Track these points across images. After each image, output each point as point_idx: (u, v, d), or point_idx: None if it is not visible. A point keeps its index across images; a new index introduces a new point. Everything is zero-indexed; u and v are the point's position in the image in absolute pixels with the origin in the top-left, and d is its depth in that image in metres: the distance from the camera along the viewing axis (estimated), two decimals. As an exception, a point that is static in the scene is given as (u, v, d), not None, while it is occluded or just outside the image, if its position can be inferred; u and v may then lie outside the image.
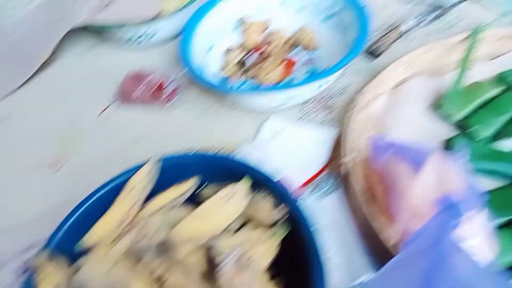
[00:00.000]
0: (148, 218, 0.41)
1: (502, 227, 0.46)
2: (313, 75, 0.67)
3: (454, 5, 0.76)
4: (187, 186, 0.45)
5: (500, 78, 0.61)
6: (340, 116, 0.63)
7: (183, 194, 0.45)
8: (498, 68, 0.62)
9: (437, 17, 0.75)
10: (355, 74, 0.68)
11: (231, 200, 0.43)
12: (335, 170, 0.55)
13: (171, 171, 0.47)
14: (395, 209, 0.45)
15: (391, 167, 0.48)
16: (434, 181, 0.44)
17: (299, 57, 0.72)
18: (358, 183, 0.50)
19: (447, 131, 0.58)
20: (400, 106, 0.62)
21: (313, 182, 0.54)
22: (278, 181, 0.44)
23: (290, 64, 0.71)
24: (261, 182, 0.45)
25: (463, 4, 0.77)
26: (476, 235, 0.41)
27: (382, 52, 0.70)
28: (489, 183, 0.51)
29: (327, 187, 0.54)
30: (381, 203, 0.48)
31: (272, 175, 0.45)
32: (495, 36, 0.64)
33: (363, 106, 0.59)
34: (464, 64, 0.61)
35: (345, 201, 0.52)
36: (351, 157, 0.53)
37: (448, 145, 0.56)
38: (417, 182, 0.45)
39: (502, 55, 0.64)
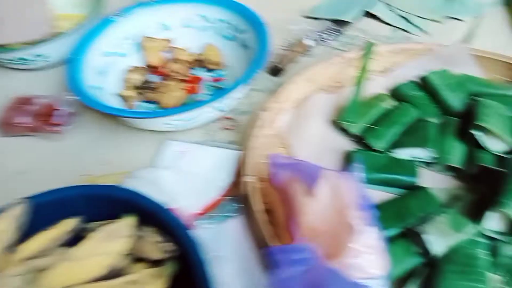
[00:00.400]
0: (3, 279, 0.35)
1: (394, 238, 0.46)
2: (213, 95, 0.65)
3: (354, 21, 0.79)
4: (64, 227, 0.40)
5: (394, 91, 0.64)
6: (246, 135, 0.61)
7: (58, 236, 0.40)
8: (395, 81, 0.65)
9: (339, 33, 0.78)
10: (261, 92, 0.68)
11: (113, 239, 0.38)
12: (238, 193, 0.53)
13: (47, 209, 0.42)
14: (294, 230, 0.44)
15: (288, 185, 0.47)
16: (329, 198, 0.44)
17: (205, 76, 0.70)
18: (257, 204, 0.48)
19: (347, 144, 0.59)
20: (303, 122, 0.62)
21: (216, 206, 0.52)
22: (169, 211, 0.41)
23: (195, 82, 0.69)
24: (150, 214, 0.41)
25: (364, 19, 0.80)
26: (368, 252, 0.40)
27: (286, 69, 0.71)
28: (385, 194, 0.52)
29: (230, 211, 0.51)
30: (282, 224, 0.47)
31: (162, 206, 0.41)
32: (391, 50, 0.67)
33: (265, 124, 0.58)
34: (360, 78, 0.63)
35: (247, 225, 0.50)
36: (251, 177, 0.51)
37: (348, 158, 0.56)
38: (313, 200, 0.44)
39: (397, 68, 0.67)
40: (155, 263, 0.40)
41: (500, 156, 0.52)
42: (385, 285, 0.40)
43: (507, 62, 0.62)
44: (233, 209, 0.51)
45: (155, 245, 0.39)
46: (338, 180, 0.45)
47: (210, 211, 0.51)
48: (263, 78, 0.70)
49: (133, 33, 0.71)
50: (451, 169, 0.54)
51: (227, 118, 0.64)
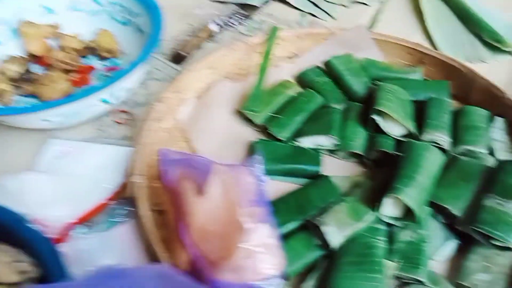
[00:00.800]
0: None
1: (295, 232, 0.44)
2: (98, 85, 0.58)
3: (262, 5, 0.76)
4: None
5: (300, 78, 0.62)
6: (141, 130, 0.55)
7: None
8: (301, 67, 0.63)
9: (246, 17, 0.74)
10: (161, 81, 0.62)
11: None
12: (128, 195, 0.48)
13: None
14: (183, 233, 0.40)
15: (178, 184, 0.42)
16: (220, 196, 0.40)
17: (98, 65, 0.63)
18: (142, 207, 0.43)
19: (252, 135, 0.56)
20: (205, 113, 0.57)
21: (101, 211, 0.46)
22: (28, 224, 0.35)
23: (86, 72, 0.62)
24: (3, 228, 0.34)
25: (272, 4, 0.78)
26: (261, 251, 0.37)
27: (191, 56, 0.66)
28: (288, 185, 0.50)
29: (119, 216, 0.46)
30: (173, 228, 0.43)
31: (19, 218, 0.35)
32: (296, 35, 0.65)
33: (162, 116, 0.53)
34: (264, 64, 0.60)
35: (137, 232, 0.44)
36: (139, 176, 0.46)
37: (251, 149, 0.53)
38: (203, 199, 0.40)
39: (303, 54, 0.65)
40: (11, 286, 0.33)
41: (399, 140, 0.51)
42: (279, 285, 0.38)
43: (407, 47, 0.62)
44: (122, 213, 0.46)
45: (9, 265, 0.33)
46: (231, 175, 0.41)
47: (93, 218, 0.45)
48: (165, 66, 0.65)
49: (8, 18, 0.61)
50: (354, 155, 0.53)
51: (122, 111, 0.58)
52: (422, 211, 0.42)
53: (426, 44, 0.70)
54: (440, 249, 0.43)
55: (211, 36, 0.69)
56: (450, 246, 0.43)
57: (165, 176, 0.44)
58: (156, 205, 0.46)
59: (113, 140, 0.54)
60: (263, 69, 0.59)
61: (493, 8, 0.76)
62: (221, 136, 0.55)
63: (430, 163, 0.44)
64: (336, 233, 0.42)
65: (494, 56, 0.68)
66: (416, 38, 0.70)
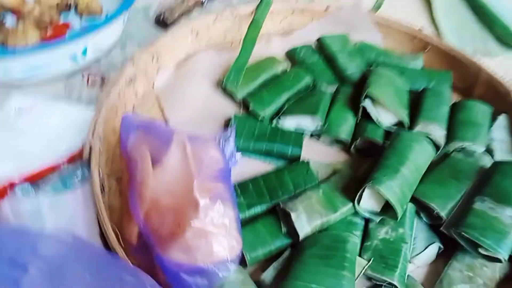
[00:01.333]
0: None
1: (262, 216, 0.40)
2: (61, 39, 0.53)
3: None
4: None
5: (289, 55, 0.57)
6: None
7: None
8: (292, 44, 0.58)
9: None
10: (140, 44, 0.58)
11: None
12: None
13: None
14: (134, 204, 0.35)
15: (136, 151, 0.38)
16: (179, 167, 0.36)
17: (76, 23, 0.59)
18: (94, 172, 0.39)
19: (230, 110, 0.51)
20: (184, 82, 0.53)
21: (53, 173, 0.42)
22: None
23: (62, 30, 0.57)
24: None
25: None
26: (216, 231, 0.33)
27: (175, 21, 0.61)
28: (263, 166, 0.46)
29: (73, 180, 0.41)
30: (126, 198, 0.38)
31: None
32: (291, 10, 0.60)
33: (133, 79, 0.49)
34: (250, 36, 0.55)
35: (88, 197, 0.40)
36: (98, 140, 0.41)
37: (228, 124, 0.49)
38: (160, 169, 0.36)
39: (297, 30, 0.60)
40: None
41: (389, 132, 0.47)
42: (232, 270, 0.34)
43: (409, 33, 0.57)
44: (77, 178, 0.42)
45: None
46: (194, 147, 0.37)
47: (44, 178, 0.40)
48: (148, 30, 0.60)
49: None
50: (338, 142, 0.48)
51: (94, 72, 0.53)
52: (404, 208, 0.38)
53: (430, 32, 0.65)
54: (421, 252, 0.38)
55: (200, 3, 0.64)
56: (432, 250, 0.39)
57: (124, 141, 0.40)
58: (115, 172, 0.42)
59: (82, 102, 0.50)
60: (249, 40, 0.54)
61: (509, 3, 0.71)
62: (197, 108, 0.51)
63: (419, 156, 0.40)
64: (305, 221, 0.37)
65: (505, 52, 0.64)
66: (421, 24, 0.65)
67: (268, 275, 0.36)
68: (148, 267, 0.34)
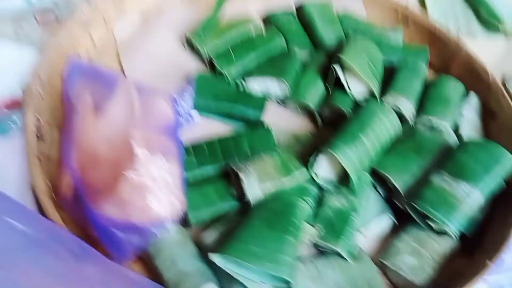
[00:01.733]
0: None
1: (213, 177, 0.38)
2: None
3: None
4: None
5: (267, 17, 0.54)
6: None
7: None
8: (271, 7, 0.55)
9: None
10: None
11: None
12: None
13: None
14: (68, 152, 0.33)
15: (77, 96, 0.35)
16: (122, 117, 0.33)
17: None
18: (28, 118, 0.36)
19: (196, 67, 0.48)
20: (149, 34, 0.50)
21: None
22: None
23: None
24: None
25: None
26: (156, 183, 0.31)
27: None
28: (222, 127, 0.43)
29: (8, 124, 0.38)
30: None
31: None
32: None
33: (89, 22, 0.45)
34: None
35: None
36: (38, 84, 0.38)
37: (191, 82, 0.46)
38: (100, 117, 0.33)
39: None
40: None
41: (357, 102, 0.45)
42: (172, 230, 0.32)
43: (393, 7, 0.54)
44: (15, 123, 0.39)
45: None
46: (142, 97, 0.34)
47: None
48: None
49: None
50: (306, 110, 0.46)
51: (46, 13, 0.49)
52: (359, 177, 0.36)
53: (416, 7, 0.62)
54: (371, 223, 0.37)
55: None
56: (383, 221, 0.37)
57: (68, 86, 0.37)
58: (59, 121, 0.39)
59: (32, 44, 0.46)
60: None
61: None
62: (160, 64, 0.48)
63: (382, 128, 0.38)
64: (256, 184, 0.35)
65: (488, 34, 0.61)
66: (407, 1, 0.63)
67: (208, 235, 0.34)
68: (81, 222, 0.32)
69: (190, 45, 0.49)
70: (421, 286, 0.33)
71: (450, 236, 0.34)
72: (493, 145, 0.37)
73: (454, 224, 0.33)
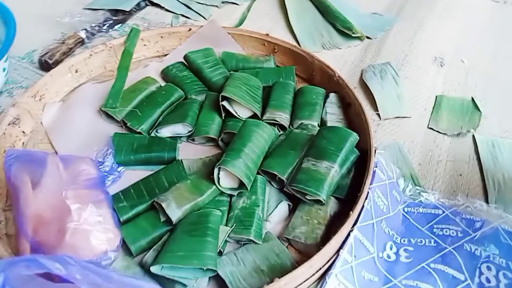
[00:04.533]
0: None
1: (144, 212, 0.48)
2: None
3: (136, 10, 0.80)
4: None
5: (164, 74, 0.66)
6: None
7: None
8: (167, 64, 0.67)
9: (120, 23, 0.77)
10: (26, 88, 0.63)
11: None
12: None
13: None
14: (21, 223, 0.42)
15: (17, 178, 0.44)
16: (55, 184, 0.43)
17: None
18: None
19: (114, 131, 0.58)
20: (69, 113, 0.60)
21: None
22: None
23: None
24: None
25: (147, 8, 0.81)
26: (93, 226, 0.40)
27: (58, 62, 0.67)
28: (147, 173, 0.54)
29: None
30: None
31: None
32: (159, 34, 0.68)
33: (17, 120, 0.55)
34: (123, 63, 0.63)
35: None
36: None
37: (112, 141, 0.56)
38: (39, 189, 0.43)
39: (169, 52, 0.69)
40: None
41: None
42: (117, 258, 0.41)
43: (261, 39, 0.68)
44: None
45: None
46: (68, 164, 0.44)
47: None
48: (33, 74, 0.66)
49: None
50: (210, 140, 0.57)
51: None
52: (251, 179, 0.47)
53: (289, 36, 0.77)
54: (274, 211, 0.48)
55: (80, 42, 0.71)
56: (282, 207, 0.48)
57: (8, 173, 0.46)
58: (10, 206, 0.48)
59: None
60: (122, 67, 0.62)
61: (351, 2, 0.85)
62: (83, 134, 0.57)
63: (259, 138, 0.50)
64: (175, 208, 0.45)
65: (347, 42, 0.77)
66: (280, 32, 0.77)
67: (149, 256, 0.44)
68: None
69: (105, 114, 0.60)
70: (314, 244, 0.44)
71: (322, 202, 0.45)
72: (340, 129, 0.50)
73: (323, 193, 0.45)
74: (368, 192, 0.45)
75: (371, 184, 0.46)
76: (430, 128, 0.62)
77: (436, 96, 0.66)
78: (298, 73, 0.65)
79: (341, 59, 0.73)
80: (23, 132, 0.56)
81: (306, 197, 0.46)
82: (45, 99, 0.59)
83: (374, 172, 0.47)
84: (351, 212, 0.43)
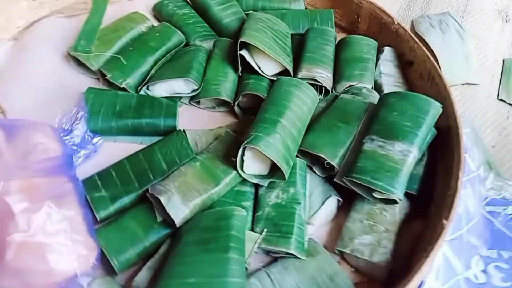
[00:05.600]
0: None
1: (132, 206, 0.33)
2: None
3: None
4: None
5: (156, 10, 0.49)
6: None
7: None
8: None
9: None
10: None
11: None
12: None
13: None
14: None
15: None
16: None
17: None
18: None
19: (88, 85, 0.42)
20: (25, 58, 0.43)
21: None
22: None
23: None
24: None
25: None
26: (54, 237, 0.25)
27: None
28: (131, 146, 0.38)
29: None
30: None
31: None
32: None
33: None
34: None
35: None
36: None
37: (85, 101, 0.39)
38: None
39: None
40: None
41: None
42: (95, 283, 0.26)
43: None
44: None
45: None
46: (12, 135, 0.28)
47: None
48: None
49: None
50: (220, 103, 0.42)
51: None
52: (290, 165, 0.33)
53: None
54: (318, 210, 0.34)
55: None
56: (330, 204, 0.34)
57: None
58: None
59: None
60: (97, 3, 0.45)
61: None
62: (43, 88, 0.41)
63: (301, 104, 0.35)
64: (180, 203, 0.31)
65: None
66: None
67: (142, 279, 0.29)
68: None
69: (75, 60, 0.43)
70: (383, 263, 0.30)
71: (397, 202, 0.32)
72: (416, 97, 0.35)
73: (398, 189, 0.31)
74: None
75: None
76: (502, 100, 0.48)
77: (504, 60, 0.52)
78: (337, 19, 0.49)
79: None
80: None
81: (374, 194, 0.32)
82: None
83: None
84: (445, 221, 0.29)
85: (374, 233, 0.32)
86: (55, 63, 0.43)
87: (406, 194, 0.33)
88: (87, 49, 0.42)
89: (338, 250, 0.32)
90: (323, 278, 0.30)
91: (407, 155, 0.32)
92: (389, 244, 0.31)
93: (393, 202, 0.32)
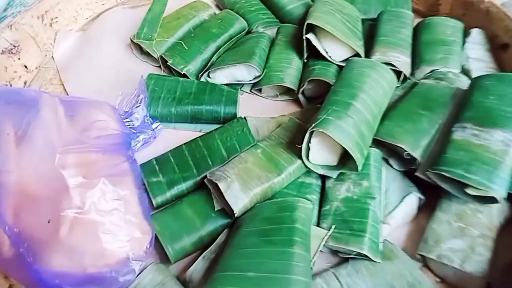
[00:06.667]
0: None
1: (191, 192, 0.31)
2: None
3: None
4: None
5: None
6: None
7: None
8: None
9: None
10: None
11: None
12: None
13: None
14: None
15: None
16: (49, 142, 0.26)
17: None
18: None
19: (148, 70, 0.41)
20: (91, 47, 0.43)
21: None
22: None
23: None
24: None
25: None
26: (109, 217, 0.24)
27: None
28: (193, 134, 0.36)
29: None
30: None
31: None
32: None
33: (16, 49, 0.38)
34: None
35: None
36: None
37: (146, 85, 0.39)
38: (24, 146, 0.26)
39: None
40: None
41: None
42: (146, 270, 0.24)
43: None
44: None
45: None
46: (72, 111, 0.27)
47: None
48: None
49: None
50: (284, 91, 0.39)
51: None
52: (364, 154, 0.29)
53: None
54: (396, 208, 0.29)
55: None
56: (410, 202, 0.30)
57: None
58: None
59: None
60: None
61: None
62: (107, 75, 0.41)
63: (376, 86, 0.31)
64: (240, 191, 0.28)
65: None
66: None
67: (196, 269, 0.27)
68: (26, 284, 0.25)
69: (138, 47, 0.43)
70: (478, 274, 0.25)
71: (496, 201, 0.26)
72: (515, 77, 0.29)
73: (499, 184, 0.25)
74: None
75: None
76: None
77: None
78: (413, 3, 0.45)
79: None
80: (25, 67, 0.40)
81: (466, 190, 0.27)
82: (58, 25, 0.43)
83: None
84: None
85: (466, 237, 0.27)
86: (118, 52, 0.43)
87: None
88: (150, 36, 0.41)
89: (420, 255, 0.27)
90: (402, 285, 0.26)
91: (509, 145, 0.26)
92: (485, 251, 0.26)
93: (491, 201, 0.27)
